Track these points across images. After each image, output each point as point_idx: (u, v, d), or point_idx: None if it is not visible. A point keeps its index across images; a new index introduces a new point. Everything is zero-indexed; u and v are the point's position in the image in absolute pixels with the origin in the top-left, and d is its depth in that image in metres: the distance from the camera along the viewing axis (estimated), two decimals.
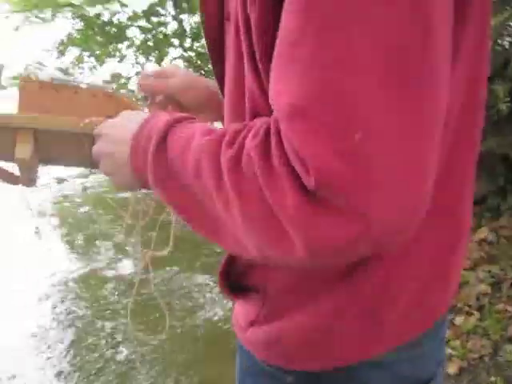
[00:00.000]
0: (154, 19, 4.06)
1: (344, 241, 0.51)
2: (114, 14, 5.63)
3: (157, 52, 3.77)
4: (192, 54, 4.06)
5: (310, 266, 0.61)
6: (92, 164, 0.91)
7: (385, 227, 0.51)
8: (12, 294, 3.67)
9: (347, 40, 0.48)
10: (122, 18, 5.59)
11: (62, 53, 6.68)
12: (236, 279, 0.84)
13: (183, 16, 4.09)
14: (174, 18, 4.02)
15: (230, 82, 0.74)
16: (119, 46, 4.53)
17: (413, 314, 0.77)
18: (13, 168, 0.96)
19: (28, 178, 0.91)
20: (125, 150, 0.73)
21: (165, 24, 4.33)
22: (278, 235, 0.55)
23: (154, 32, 4.03)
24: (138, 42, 4.23)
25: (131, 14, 4.77)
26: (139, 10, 4.81)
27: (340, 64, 0.48)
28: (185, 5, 3.90)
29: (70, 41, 6.39)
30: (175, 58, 4.13)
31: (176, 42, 4.15)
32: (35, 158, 0.89)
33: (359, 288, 0.72)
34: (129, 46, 4.35)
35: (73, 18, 6.96)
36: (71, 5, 6.83)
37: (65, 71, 6.53)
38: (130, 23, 4.37)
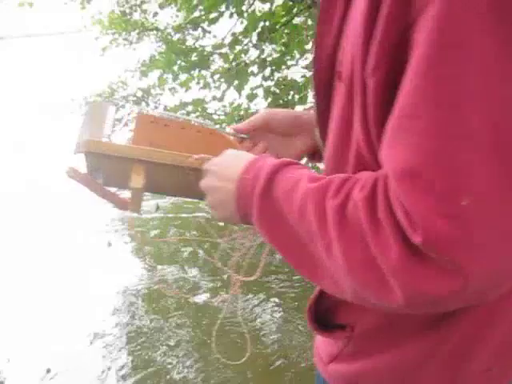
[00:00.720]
0: (237, 47, 4.18)
1: (444, 294, 0.56)
2: (196, 38, 5.88)
3: (237, 81, 3.88)
4: (271, 83, 4.14)
5: (405, 312, 0.65)
6: (195, 195, 1.00)
7: (484, 283, 0.56)
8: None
9: (461, 116, 0.54)
10: (205, 43, 5.87)
11: (144, 74, 7.01)
12: (323, 315, 0.88)
13: (264, 45, 4.19)
14: (255, 46, 4.13)
15: (334, 136, 0.79)
16: (203, 72, 4.68)
17: (496, 367, 0.78)
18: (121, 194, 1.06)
19: (137, 205, 0.99)
20: (231, 188, 0.81)
21: (245, 51, 4.46)
22: (378, 282, 0.60)
23: (236, 61, 4.16)
24: (219, 69, 4.35)
25: (214, 41, 4.94)
26: (220, 35, 4.99)
27: (453, 137, 0.54)
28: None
29: (153, 63, 6.70)
30: (256, 87, 4.23)
31: (255, 70, 4.24)
32: (145, 188, 0.97)
33: (447, 336, 0.75)
34: (212, 74, 4.48)
35: (156, 41, 7.33)
36: (156, 29, 7.17)
37: (147, 91, 6.85)
38: (212, 51, 4.52)
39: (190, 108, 4.68)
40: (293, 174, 0.74)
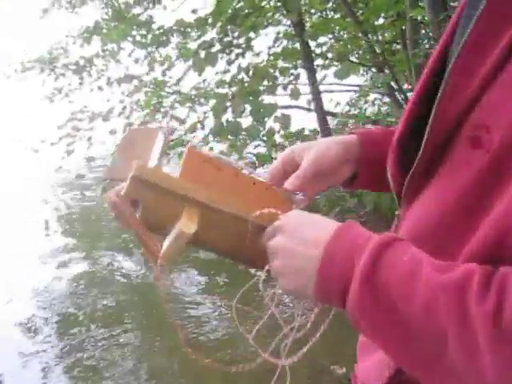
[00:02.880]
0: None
1: None
2: (145, 8, 5.58)
3: (205, 65, 3.68)
4: (236, 70, 3.98)
5: None
6: (247, 260, 0.88)
7: None
8: None
9: None
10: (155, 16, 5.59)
11: (87, 41, 6.60)
12: None
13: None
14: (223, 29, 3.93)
15: (443, 209, 0.68)
16: (164, 51, 4.44)
17: None
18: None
19: (170, 259, 0.81)
20: (314, 254, 0.68)
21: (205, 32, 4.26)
22: None
23: (199, 41, 3.94)
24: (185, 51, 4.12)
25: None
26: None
27: None
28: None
29: (99, 31, 6.32)
30: (222, 72, 4.05)
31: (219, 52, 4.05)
32: (193, 237, 0.79)
33: None
34: (179, 56, 4.24)
35: (102, 7, 6.92)
36: None
37: (90, 61, 6.44)
38: (174, 27, 4.26)
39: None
40: (407, 255, 0.63)
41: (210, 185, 0.88)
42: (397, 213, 0.84)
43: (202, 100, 4.25)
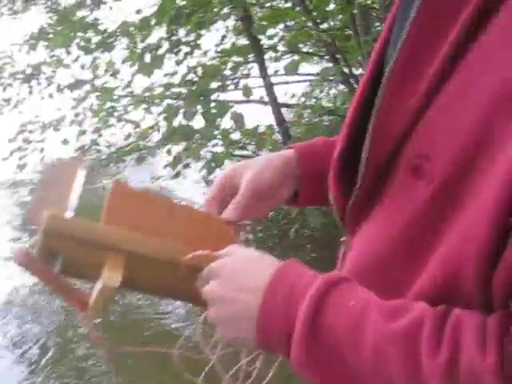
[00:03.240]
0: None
1: None
2: (91, 10, 5.40)
3: (151, 68, 3.57)
4: (186, 69, 3.88)
5: None
6: (183, 298, 0.82)
7: None
8: None
9: None
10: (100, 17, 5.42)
11: (32, 47, 6.39)
12: None
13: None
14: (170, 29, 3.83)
15: (388, 240, 0.62)
16: (108, 56, 4.30)
17: None
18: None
19: (101, 310, 0.73)
20: (252, 301, 0.62)
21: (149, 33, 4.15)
22: None
23: (144, 43, 3.82)
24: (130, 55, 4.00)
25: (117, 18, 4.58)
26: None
27: None
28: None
29: (44, 36, 6.12)
30: (170, 74, 3.95)
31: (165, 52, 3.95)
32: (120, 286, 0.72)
33: None
34: (124, 61, 4.11)
35: (46, 11, 6.70)
36: None
37: (37, 68, 6.25)
38: (117, 30, 4.13)
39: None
40: (353, 300, 0.58)
41: (140, 222, 0.80)
42: (342, 239, 0.79)
43: (157, 101, 4.16)
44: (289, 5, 4.74)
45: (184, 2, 3.62)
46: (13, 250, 0.73)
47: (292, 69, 3.10)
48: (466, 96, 0.53)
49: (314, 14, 3.97)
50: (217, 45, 4.25)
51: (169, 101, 3.52)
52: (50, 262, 0.73)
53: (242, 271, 0.67)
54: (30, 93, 6.24)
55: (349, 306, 0.57)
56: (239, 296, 0.64)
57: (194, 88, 3.33)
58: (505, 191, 0.48)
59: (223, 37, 4.23)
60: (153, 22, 3.56)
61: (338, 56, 4.23)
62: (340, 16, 4.56)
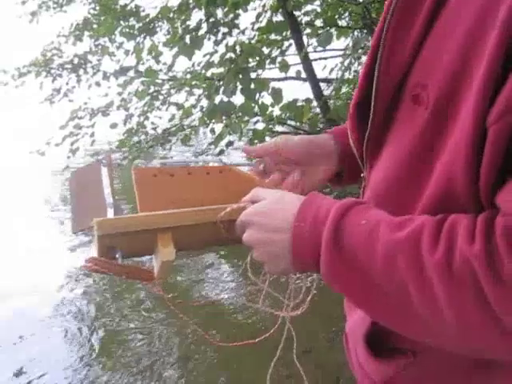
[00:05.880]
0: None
1: None
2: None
3: (191, 49, 3.68)
4: (224, 49, 3.97)
5: None
6: (229, 242, 0.90)
7: None
8: None
9: None
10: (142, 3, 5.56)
11: (78, 38, 6.62)
12: (379, 339, 0.83)
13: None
14: (206, 9, 3.92)
15: (398, 165, 0.72)
16: (152, 40, 4.43)
17: None
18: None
19: (167, 274, 0.87)
20: (284, 239, 0.73)
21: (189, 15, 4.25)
22: (498, 338, 0.56)
23: (184, 27, 3.93)
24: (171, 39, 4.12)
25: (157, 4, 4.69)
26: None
27: None
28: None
29: (89, 27, 6.33)
30: (209, 54, 4.05)
31: (205, 34, 4.05)
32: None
33: (496, 381, 0.73)
34: (165, 44, 4.24)
35: (89, 2, 6.91)
36: None
37: (84, 57, 6.48)
38: (158, 16, 4.27)
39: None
40: (365, 219, 0.67)
41: (170, 195, 0.92)
42: (362, 175, 0.89)
43: (197, 83, 4.27)
44: None
45: None
46: (81, 266, 0.84)
47: (325, 41, 3.15)
48: (451, 30, 0.63)
49: None
50: (252, 23, 4.33)
51: (208, 80, 3.63)
52: (111, 256, 0.85)
53: (271, 213, 0.76)
54: (78, 81, 6.52)
55: (361, 224, 0.66)
56: (273, 237, 0.74)
57: (232, 66, 3.42)
58: (478, 104, 0.57)
59: (259, 14, 4.29)
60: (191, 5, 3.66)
61: (374, 28, 4.22)
62: None
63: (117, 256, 0.84)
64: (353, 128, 0.85)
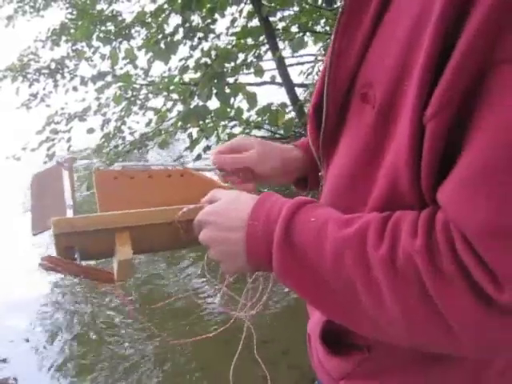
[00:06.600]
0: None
1: None
2: (110, 3, 5.54)
3: (166, 54, 3.69)
4: (200, 53, 3.99)
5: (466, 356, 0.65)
6: (186, 245, 0.92)
7: None
8: None
9: None
10: (119, 8, 5.55)
11: (55, 43, 6.57)
12: (336, 336, 0.85)
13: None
14: (181, 13, 3.93)
15: (351, 162, 0.73)
16: (128, 45, 4.43)
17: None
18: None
19: (126, 275, 0.87)
20: (239, 237, 0.74)
21: (166, 19, 4.26)
22: (445, 335, 0.58)
23: (159, 31, 3.94)
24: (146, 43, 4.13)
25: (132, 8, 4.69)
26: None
27: None
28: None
29: (65, 31, 6.28)
30: (185, 58, 4.06)
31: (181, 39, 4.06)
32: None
33: (449, 374, 0.75)
34: (140, 48, 4.24)
35: (66, 7, 6.87)
36: None
37: (61, 62, 6.43)
38: (134, 21, 4.27)
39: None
40: (314, 217, 0.68)
41: (129, 197, 0.93)
42: (320, 174, 0.91)
43: (173, 87, 4.27)
44: None
45: None
46: (38, 264, 0.83)
47: (297, 46, 3.19)
48: (393, 29, 0.65)
49: None
50: (227, 28, 4.35)
51: (183, 85, 3.64)
52: (69, 256, 0.85)
53: (226, 213, 0.77)
54: (55, 86, 6.47)
55: (310, 222, 0.67)
56: (228, 235, 0.75)
57: (207, 70, 3.45)
58: (416, 103, 0.58)
59: (234, 19, 4.31)
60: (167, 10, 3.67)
61: None
62: None
63: (75, 256, 0.84)
64: (312, 129, 0.88)
